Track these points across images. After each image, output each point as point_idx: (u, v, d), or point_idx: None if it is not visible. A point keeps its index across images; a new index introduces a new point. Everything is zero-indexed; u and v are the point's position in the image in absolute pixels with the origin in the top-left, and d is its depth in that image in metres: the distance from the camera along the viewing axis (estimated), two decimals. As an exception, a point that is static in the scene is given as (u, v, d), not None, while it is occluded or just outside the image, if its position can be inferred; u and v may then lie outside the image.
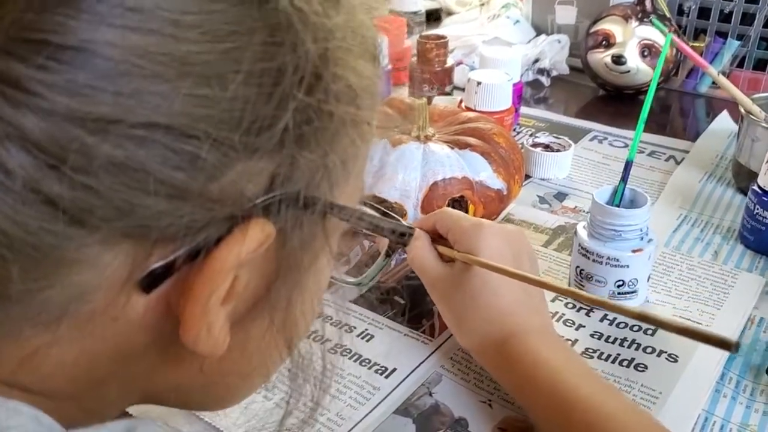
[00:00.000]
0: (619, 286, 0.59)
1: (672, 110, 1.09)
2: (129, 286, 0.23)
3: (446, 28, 1.23)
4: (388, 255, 0.46)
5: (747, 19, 1.01)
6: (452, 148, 0.68)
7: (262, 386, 0.36)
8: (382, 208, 0.41)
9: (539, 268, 0.65)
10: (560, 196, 0.79)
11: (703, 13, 1.04)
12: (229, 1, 0.22)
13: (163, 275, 0.24)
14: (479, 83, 0.82)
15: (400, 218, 0.40)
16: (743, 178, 0.79)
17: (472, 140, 0.69)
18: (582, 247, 0.60)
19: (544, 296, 0.54)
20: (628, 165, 0.61)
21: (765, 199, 0.68)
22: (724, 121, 0.95)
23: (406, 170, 0.66)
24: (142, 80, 0.21)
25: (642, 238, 0.59)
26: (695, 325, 0.35)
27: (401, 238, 0.40)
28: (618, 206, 0.61)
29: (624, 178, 0.61)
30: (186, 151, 0.21)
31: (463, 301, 0.52)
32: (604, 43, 1.02)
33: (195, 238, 0.23)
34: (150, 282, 0.24)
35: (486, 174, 0.67)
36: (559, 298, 0.62)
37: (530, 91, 1.10)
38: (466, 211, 0.67)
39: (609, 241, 0.59)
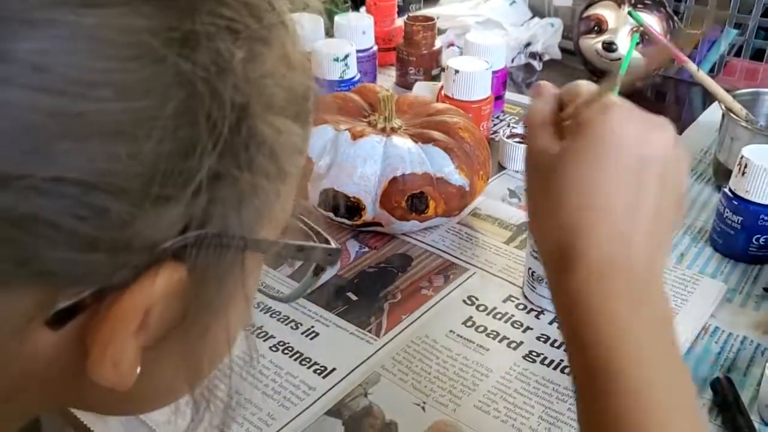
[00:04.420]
0: (570, 291, 0.59)
1: (667, 99, 1.06)
2: (35, 323, 0.24)
3: (442, 8, 1.21)
4: (316, 273, 0.44)
5: (745, 7, 0.97)
6: (416, 142, 0.67)
7: None
8: (311, 223, 0.40)
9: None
10: (532, 190, 0.78)
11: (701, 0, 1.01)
12: (143, 59, 0.21)
13: (70, 314, 0.24)
14: (457, 71, 0.80)
15: (327, 237, 0.39)
16: (722, 176, 0.77)
17: (436, 134, 0.68)
18: (534, 249, 0.59)
19: (669, 211, 0.38)
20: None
21: (735, 203, 0.66)
22: (714, 113, 0.93)
23: (366, 164, 0.65)
24: (49, 138, 0.20)
25: (595, 243, 0.58)
26: None
27: (329, 258, 0.39)
28: (574, 209, 0.60)
29: (581, 181, 0.60)
30: (95, 205, 0.21)
31: (543, 191, 0.40)
32: (596, 28, 1.00)
33: (103, 282, 0.23)
34: (57, 320, 0.24)
35: (448, 170, 0.66)
36: (511, 298, 0.62)
37: (522, 75, 1.08)
38: (426, 207, 0.66)
39: (561, 244, 0.58)
